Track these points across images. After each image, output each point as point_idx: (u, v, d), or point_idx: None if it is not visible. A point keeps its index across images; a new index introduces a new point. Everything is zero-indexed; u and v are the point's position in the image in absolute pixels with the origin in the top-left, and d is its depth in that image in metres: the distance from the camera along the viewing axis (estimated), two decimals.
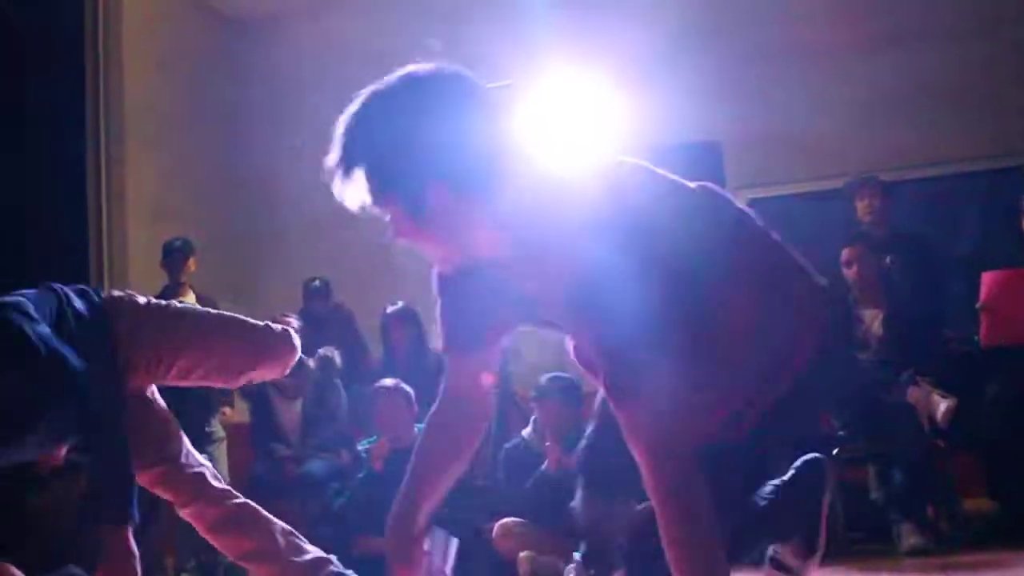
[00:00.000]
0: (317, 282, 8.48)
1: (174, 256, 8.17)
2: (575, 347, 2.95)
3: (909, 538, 5.77)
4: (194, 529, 7.09)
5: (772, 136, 8.74)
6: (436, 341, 8.07)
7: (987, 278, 6.24)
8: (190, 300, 8.02)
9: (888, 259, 6.72)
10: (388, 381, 6.89)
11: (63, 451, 6.47)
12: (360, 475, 6.79)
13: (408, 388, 6.81)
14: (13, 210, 4.98)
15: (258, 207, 9.63)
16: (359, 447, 6.94)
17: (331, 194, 8.65)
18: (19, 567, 5.49)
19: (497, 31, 8.81)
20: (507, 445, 6.59)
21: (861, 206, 7.18)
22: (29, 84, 8.33)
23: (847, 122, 8.73)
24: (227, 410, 8.03)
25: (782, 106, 8.74)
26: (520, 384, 7.82)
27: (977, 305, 6.19)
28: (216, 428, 7.80)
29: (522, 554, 6.06)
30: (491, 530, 6.29)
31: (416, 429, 6.78)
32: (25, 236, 4.95)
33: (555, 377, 6.53)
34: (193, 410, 7.20)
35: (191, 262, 8.22)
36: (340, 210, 8.75)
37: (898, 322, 6.32)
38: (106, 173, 9.14)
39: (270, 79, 9.95)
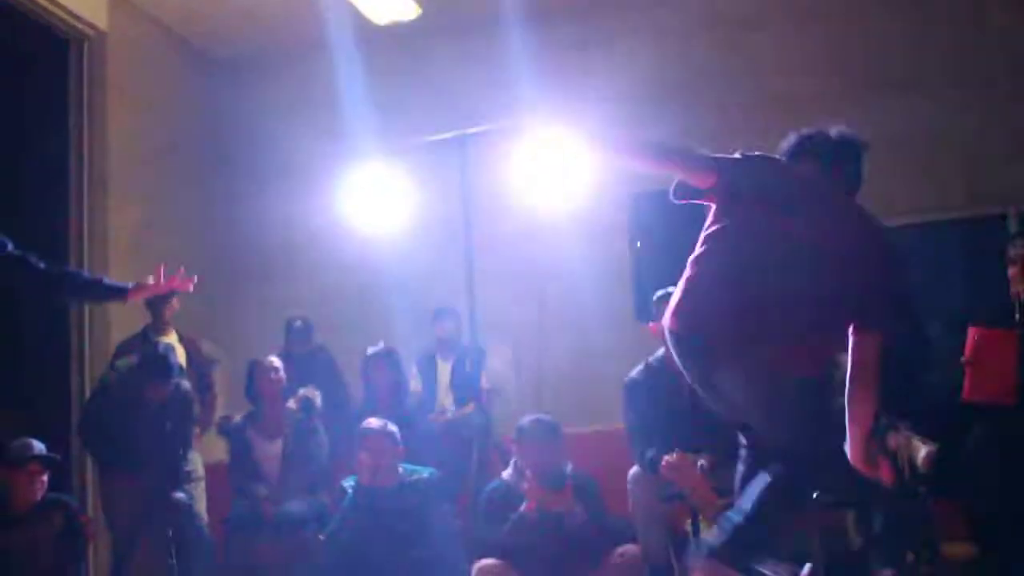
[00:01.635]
0: (299, 322, 8.48)
1: (158, 296, 8.16)
2: None
3: None
4: (168, 569, 7.15)
5: None
6: (414, 383, 8.12)
7: (973, 333, 6.26)
8: (172, 339, 8.04)
9: None
10: (374, 421, 6.88)
11: (43, 486, 6.52)
12: (345, 504, 6.77)
13: (394, 429, 6.81)
14: None
15: (241, 248, 9.63)
16: (344, 484, 6.92)
17: (313, 237, 8.66)
18: None
19: (478, 78, 8.88)
20: (488, 487, 6.57)
21: None
22: (11, 128, 8.35)
23: None
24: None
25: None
26: (500, 426, 7.83)
27: (962, 360, 6.22)
28: (195, 466, 7.78)
29: None
30: (471, 572, 6.28)
31: (400, 470, 6.78)
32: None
33: (536, 419, 6.53)
34: (168, 447, 7.21)
35: (174, 301, 8.20)
36: (321, 253, 8.79)
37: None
38: (88, 214, 9.16)
39: (255, 120, 9.97)
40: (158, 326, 8.16)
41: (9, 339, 6.27)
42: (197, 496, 7.72)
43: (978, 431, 6.19)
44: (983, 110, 8.74)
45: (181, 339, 8.28)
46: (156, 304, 8.14)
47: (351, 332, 8.63)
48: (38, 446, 6.64)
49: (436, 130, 7.98)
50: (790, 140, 4.21)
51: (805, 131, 4.24)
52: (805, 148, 4.32)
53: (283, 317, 8.60)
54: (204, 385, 8.28)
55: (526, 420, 6.53)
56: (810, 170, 4.21)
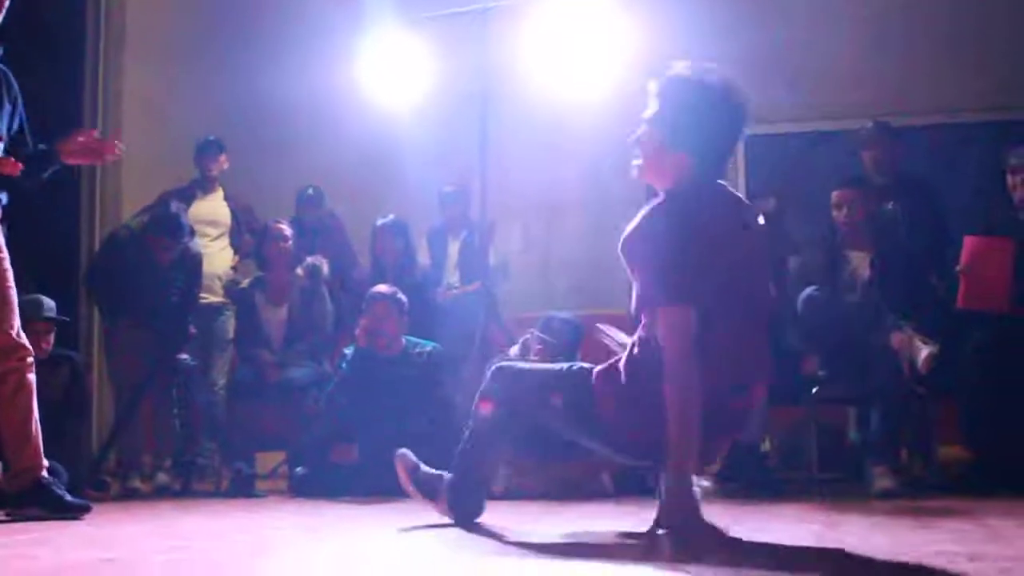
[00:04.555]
0: (311, 190, 8.45)
1: (207, 151, 8.26)
2: None
3: (881, 481, 5.80)
4: (171, 429, 7.23)
5: (774, 73, 8.69)
6: (423, 257, 8.08)
7: (968, 242, 6.30)
8: (218, 196, 8.12)
9: (891, 204, 6.71)
10: (383, 287, 6.92)
11: (50, 344, 6.55)
12: (342, 366, 6.83)
13: (403, 297, 6.84)
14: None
15: (257, 116, 9.55)
16: (345, 350, 6.97)
17: (330, 106, 8.51)
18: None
19: None
20: (492, 363, 6.58)
21: (869, 156, 7.14)
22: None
23: (850, 63, 8.68)
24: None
25: (787, 43, 8.69)
26: (506, 305, 7.83)
27: (957, 268, 6.25)
28: (228, 330, 8.06)
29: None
30: None
31: (403, 340, 6.82)
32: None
33: (563, 320, 6.58)
34: (174, 308, 7.30)
35: (222, 159, 8.32)
36: (338, 122, 8.68)
37: (886, 266, 6.33)
38: (103, 73, 9.08)
39: None
40: (205, 183, 8.31)
41: (20, 194, 6.25)
42: (223, 360, 7.84)
43: (976, 336, 6.21)
44: None
45: (227, 197, 8.34)
46: (204, 160, 8.20)
47: (364, 203, 8.58)
48: (48, 304, 6.67)
49: (457, 2, 7.88)
50: None
51: None
52: None
53: (297, 185, 8.55)
54: (255, 230, 8.35)
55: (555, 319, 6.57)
56: None
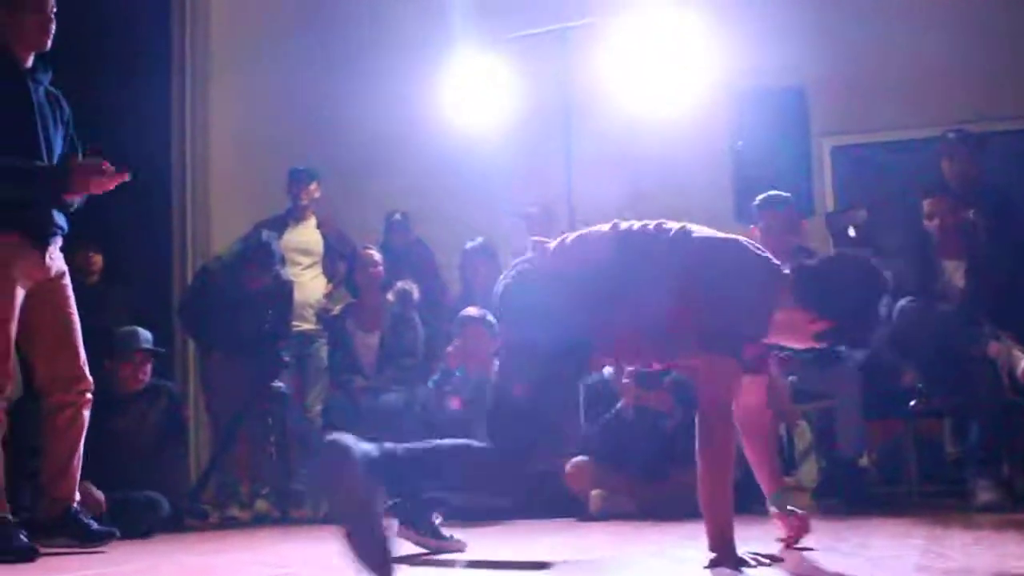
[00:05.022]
0: (398, 215, 8.49)
1: (298, 180, 8.35)
2: None
3: (983, 494, 5.70)
4: (268, 457, 7.27)
5: (857, 83, 8.61)
6: None
7: None
8: (311, 224, 8.18)
9: (971, 212, 6.60)
10: (473, 310, 6.91)
11: (147, 375, 6.64)
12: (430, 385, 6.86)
13: (493, 319, 6.85)
14: (96, 135, 5.11)
15: (343, 141, 9.63)
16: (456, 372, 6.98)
17: (413, 130, 8.54)
18: (99, 487, 5.62)
19: None
20: (588, 381, 6.56)
21: (949, 165, 6.96)
22: (113, 14, 8.34)
23: (934, 69, 8.56)
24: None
25: (868, 53, 8.59)
26: None
27: None
28: (322, 356, 8.05)
29: (594, 492, 6.09)
30: (563, 468, 6.31)
31: (496, 362, 6.82)
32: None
33: None
34: (267, 336, 7.35)
35: (313, 187, 8.38)
36: (421, 146, 8.68)
37: (980, 275, 6.22)
38: (190, 103, 9.22)
39: (355, 7, 9.89)
40: (296, 212, 8.39)
41: (114, 227, 6.35)
42: (318, 388, 7.92)
43: None
44: None
45: (320, 225, 8.42)
46: (295, 188, 8.33)
47: (450, 227, 8.61)
48: (145, 336, 6.75)
49: (537, 22, 7.90)
50: None
51: None
52: None
53: (383, 210, 8.60)
54: (345, 255, 8.39)
55: None
56: None
